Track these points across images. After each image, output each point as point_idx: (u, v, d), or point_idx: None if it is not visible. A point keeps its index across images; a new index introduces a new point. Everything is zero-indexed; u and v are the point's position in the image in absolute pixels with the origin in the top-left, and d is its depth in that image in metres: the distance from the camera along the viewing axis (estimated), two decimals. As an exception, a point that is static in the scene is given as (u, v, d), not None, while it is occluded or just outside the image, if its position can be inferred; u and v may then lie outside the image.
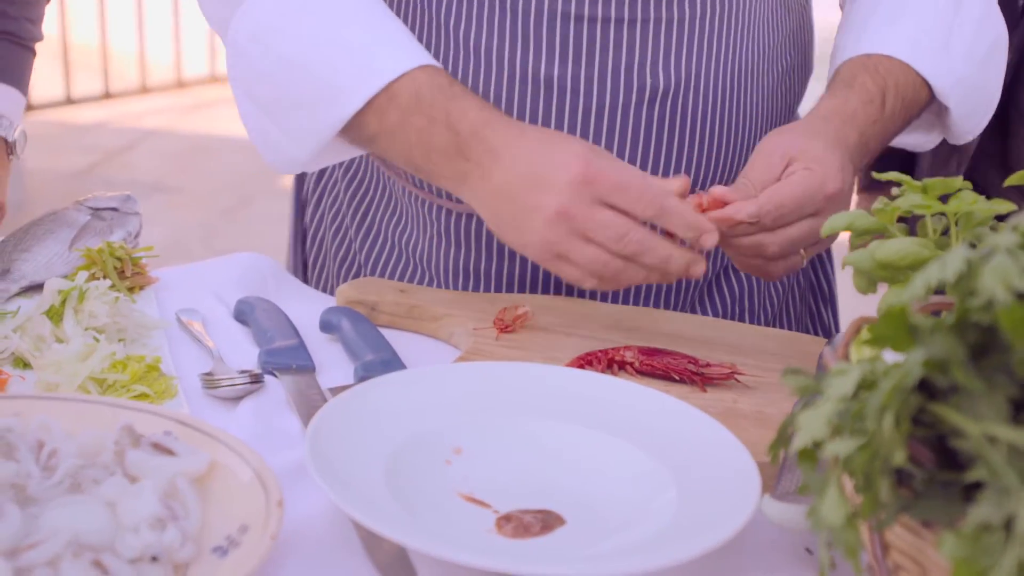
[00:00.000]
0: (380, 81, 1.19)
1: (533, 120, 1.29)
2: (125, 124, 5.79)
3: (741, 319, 1.42)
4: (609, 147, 1.30)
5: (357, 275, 1.48)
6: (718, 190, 1.16)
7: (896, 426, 0.68)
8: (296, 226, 1.62)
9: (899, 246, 0.95)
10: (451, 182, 1.19)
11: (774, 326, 1.48)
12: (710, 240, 1.13)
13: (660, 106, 1.29)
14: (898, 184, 1.00)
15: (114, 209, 1.42)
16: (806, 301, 1.53)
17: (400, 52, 1.21)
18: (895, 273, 0.97)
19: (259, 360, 1.18)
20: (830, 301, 1.57)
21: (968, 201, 0.96)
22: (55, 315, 1.17)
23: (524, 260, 1.36)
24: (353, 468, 0.94)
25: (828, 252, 1.55)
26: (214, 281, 1.36)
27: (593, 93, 1.28)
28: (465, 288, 1.39)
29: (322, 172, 1.54)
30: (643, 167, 1.31)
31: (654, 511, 0.94)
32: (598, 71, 1.28)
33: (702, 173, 1.33)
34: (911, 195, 0.98)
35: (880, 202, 1.00)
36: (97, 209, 1.41)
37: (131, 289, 1.29)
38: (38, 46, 1.92)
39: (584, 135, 1.29)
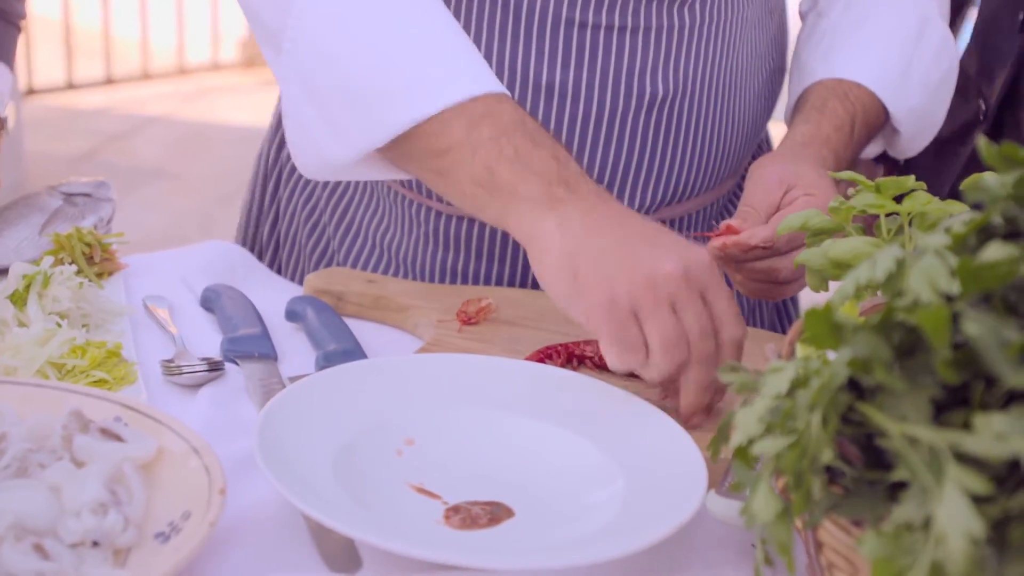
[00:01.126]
0: (472, 89, 1.10)
1: None
2: (126, 110, 5.79)
3: None
4: (606, 153, 1.30)
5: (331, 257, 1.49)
6: (728, 222, 1.18)
7: (824, 425, 0.68)
8: (256, 204, 1.59)
9: (851, 245, 0.95)
10: (531, 204, 1.07)
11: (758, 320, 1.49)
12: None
13: (658, 112, 1.30)
14: (854, 184, 1.00)
15: (87, 195, 1.42)
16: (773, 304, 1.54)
17: (482, 70, 1.14)
18: (847, 272, 0.97)
19: (221, 348, 1.18)
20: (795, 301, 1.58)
21: (922, 201, 0.96)
22: (19, 299, 1.17)
23: (514, 262, 1.36)
24: (303, 457, 0.94)
25: None
26: (184, 268, 1.36)
27: (593, 99, 1.28)
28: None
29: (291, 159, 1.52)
30: (638, 172, 1.31)
31: (602, 504, 0.95)
32: (599, 77, 1.28)
33: (694, 176, 1.34)
34: (865, 194, 0.98)
35: (836, 201, 1.00)
36: (70, 195, 1.42)
37: (99, 275, 1.29)
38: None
39: (582, 141, 1.29)
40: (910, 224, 0.98)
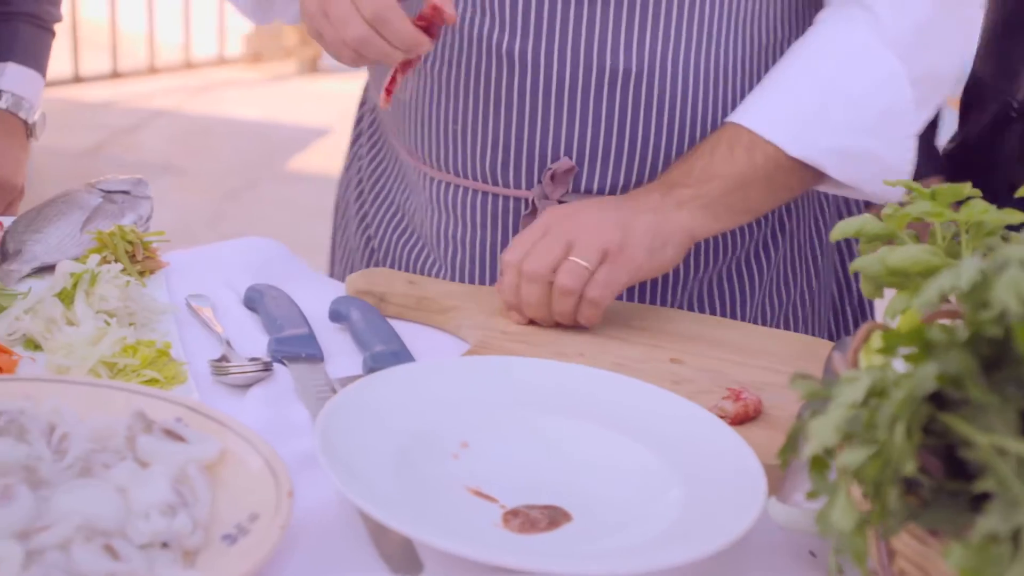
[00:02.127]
0: None
1: (497, 95, 1.31)
2: (133, 104, 5.78)
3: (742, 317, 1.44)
4: (571, 128, 1.31)
5: (369, 241, 1.52)
6: None
7: (907, 436, 0.69)
8: (337, 218, 1.66)
9: (910, 253, 0.95)
10: None
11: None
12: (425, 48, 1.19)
13: (623, 88, 1.30)
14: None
15: (126, 192, 1.42)
16: (819, 303, 1.54)
17: None
18: (903, 279, 0.98)
19: (269, 348, 1.18)
20: (857, 301, 1.57)
21: (979, 210, 0.96)
22: (66, 297, 1.17)
23: (495, 230, 1.39)
24: (362, 460, 0.94)
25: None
26: (224, 266, 1.36)
27: (553, 70, 1.29)
28: (447, 255, 1.41)
29: (356, 157, 1.58)
30: (607, 150, 1.32)
31: (659, 510, 0.95)
32: (557, 48, 1.28)
33: (671, 159, 1.34)
34: (921, 202, 0.98)
35: (890, 208, 1.00)
36: (109, 192, 1.41)
37: (142, 273, 1.29)
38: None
39: (546, 114, 1.31)
40: (966, 232, 0.98)
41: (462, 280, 1.41)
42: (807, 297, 1.50)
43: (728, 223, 1.30)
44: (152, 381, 1.08)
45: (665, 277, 1.39)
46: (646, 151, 1.33)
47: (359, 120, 1.61)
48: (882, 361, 0.80)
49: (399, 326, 1.27)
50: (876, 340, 0.92)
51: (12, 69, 1.83)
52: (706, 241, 1.38)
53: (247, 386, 1.13)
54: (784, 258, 1.46)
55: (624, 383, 1.08)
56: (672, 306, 1.40)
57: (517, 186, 1.35)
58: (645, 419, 1.03)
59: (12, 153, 1.80)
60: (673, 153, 1.33)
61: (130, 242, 1.30)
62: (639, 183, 1.34)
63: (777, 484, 0.97)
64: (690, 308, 1.41)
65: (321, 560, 0.90)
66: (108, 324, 1.13)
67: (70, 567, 0.78)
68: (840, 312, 1.56)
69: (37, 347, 1.14)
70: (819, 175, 1.31)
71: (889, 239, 1.00)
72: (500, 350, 1.19)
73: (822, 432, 0.74)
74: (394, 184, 1.50)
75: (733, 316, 1.42)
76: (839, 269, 1.55)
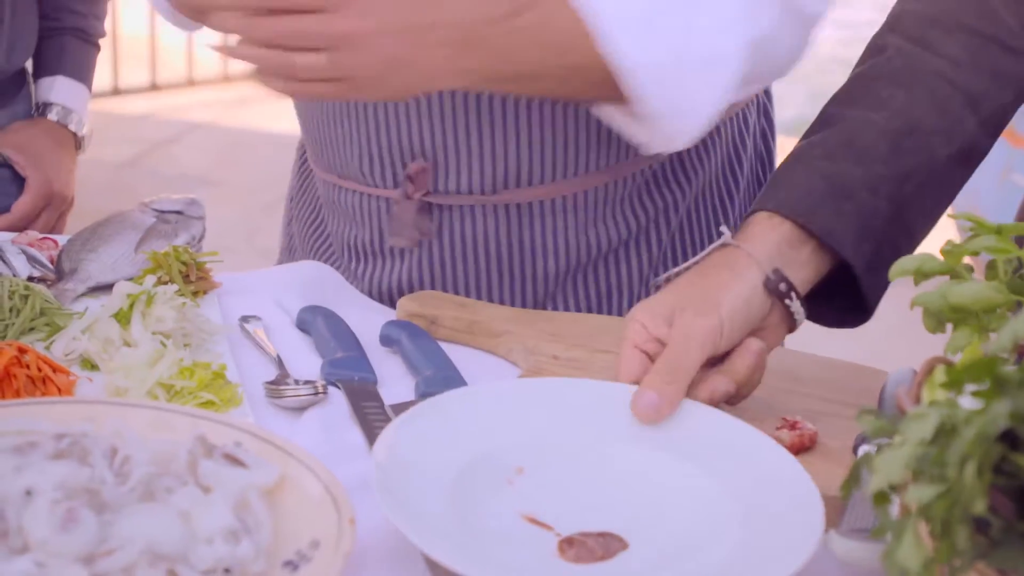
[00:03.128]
0: None
1: None
2: (171, 116, 5.83)
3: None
4: (428, 129, 1.32)
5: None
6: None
7: (978, 475, 0.68)
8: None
9: (972, 290, 0.94)
10: None
11: None
12: None
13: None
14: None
15: (179, 212, 1.43)
16: None
17: None
18: (964, 315, 0.97)
19: (322, 371, 1.19)
20: None
21: (1043, 246, 0.96)
22: (123, 318, 1.18)
23: (376, 229, 1.41)
24: (416, 492, 0.94)
25: None
26: (276, 288, 1.37)
27: None
28: (344, 255, 1.45)
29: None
30: (458, 151, 1.32)
31: (717, 540, 0.95)
32: None
33: (536, 161, 1.34)
34: (985, 237, 0.98)
35: (948, 244, 1.00)
36: (162, 212, 1.43)
37: (195, 293, 1.30)
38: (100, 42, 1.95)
39: (399, 114, 1.32)
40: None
41: (347, 278, 1.45)
42: None
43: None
44: (208, 404, 1.09)
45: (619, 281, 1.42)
46: (508, 153, 1.33)
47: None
48: (946, 397, 0.80)
49: (450, 349, 1.27)
50: (939, 374, 0.92)
51: (61, 82, 1.85)
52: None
53: (302, 409, 1.13)
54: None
55: (683, 405, 1.07)
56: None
57: (385, 186, 1.37)
58: (704, 444, 1.03)
59: (64, 165, 1.83)
60: (532, 154, 1.33)
61: (184, 263, 1.31)
62: (504, 186, 1.34)
63: (836, 517, 0.96)
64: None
65: (379, 586, 0.90)
66: (164, 345, 1.14)
67: (135, 592, 0.79)
68: None
69: (94, 367, 1.15)
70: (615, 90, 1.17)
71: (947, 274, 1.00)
72: (551, 375, 1.19)
73: (889, 468, 0.74)
74: (332, 223, 1.50)
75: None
76: None
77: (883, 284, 1.17)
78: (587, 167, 1.35)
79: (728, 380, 1.09)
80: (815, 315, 1.19)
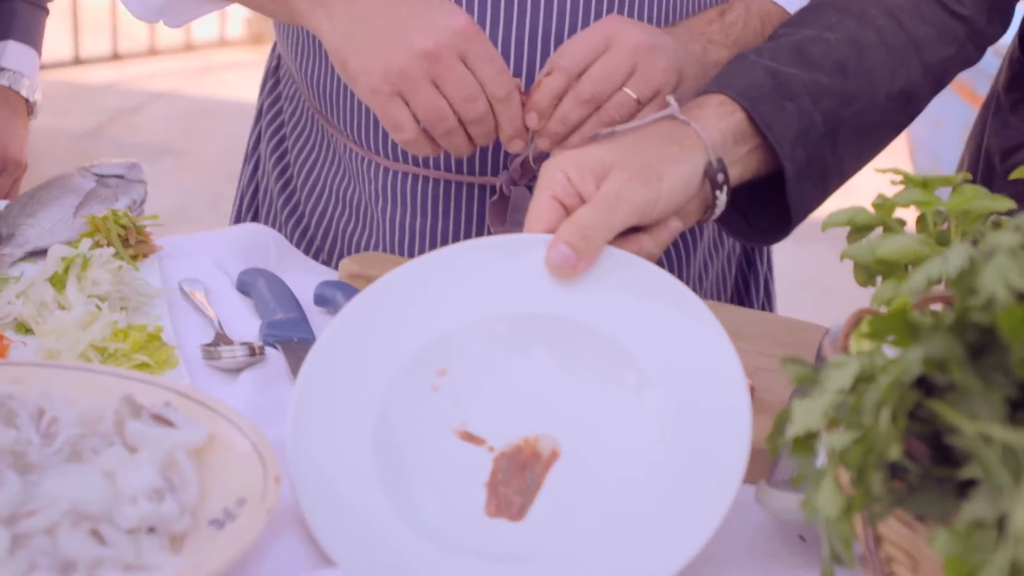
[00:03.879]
0: None
1: None
2: (133, 86, 5.77)
3: None
4: None
5: (306, 231, 1.49)
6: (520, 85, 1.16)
7: (893, 422, 0.68)
8: (248, 181, 1.62)
9: (900, 243, 0.94)
10: (305, 4, 1.17)
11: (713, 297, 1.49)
12: (517, 146, 1.17)
13: None
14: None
15: (120, 176, 1.42)
16: (738, 272, 1.53)
17: None
18: (893, 268, 0.98)
19: (261, 332, 1.18)
20: (763, 265, 1.56)
21: (967, 197, 0.96)
22: (58, 282, 1.17)
23: (458, 216, 1.36)
24: (337, 449, 0.93)
25: None
26: (217, 251, 1.36)
27: (510, 53, 1.24)
28: (403, 243, 1.39)
29: (274, 132, 1.54)
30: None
31: (641, 474, 0.93)
32: (516, 31, 1.24)
33: None
34: (911, 190, 0.98)
35: (879, 197, 1.00)
36: (103, 176, 1.41)
37: (135, 257, 1.29)
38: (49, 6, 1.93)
39: None
40: (955, 220, 0.98)
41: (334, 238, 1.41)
42: (730, 266, 1.51)
43: None
44: (143, 366, 1.08)
45: None
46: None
47: (274, 87, 1.55)
48: (871, 347, 0.80)
49: (392, 310, 1.26)
50: (865, 325, 0.92)
51: (12, 47, 1.84)
52: None
53: (238, 370, 1.13)
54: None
55: (606, 258, 1.01)
56: None
57: (483, 173, 1.33)
58: (651, 340, 0.98)
59: (17, 130, 1.81)
60: None
61: (123, 226, 1.29)
62: None
63: (766, 470, 0.97)
64: None
65: (311, 544, 0.90)
66: (99, 308, 1.13)
67: (56, 552, 0.78)
68: (749, 270, 1.55)
69: (28, 331, 1.14)
70: None
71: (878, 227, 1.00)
72: None
73: (807, 416, 0.74)
74: (328, 171, 1.46)
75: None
76: None
77: (809, 199, 1.16)
78: None
79: (655, 243, 1.06)
80: (726, 220, 1.18)
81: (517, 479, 0.93)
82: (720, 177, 1.09)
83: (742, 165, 1.12)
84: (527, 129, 1.16)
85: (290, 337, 1.17)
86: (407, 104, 1.12)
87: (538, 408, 0.97)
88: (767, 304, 1.57)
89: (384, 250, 1.40)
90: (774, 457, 0.96)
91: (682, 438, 0.93)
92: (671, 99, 1.11)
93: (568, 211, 1.03)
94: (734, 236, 1.23)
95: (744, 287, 1.54)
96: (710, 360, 0.96)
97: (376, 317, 1.01)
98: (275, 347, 1.16)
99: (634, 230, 1.05)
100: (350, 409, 0.96)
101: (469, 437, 0.96)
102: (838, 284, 3.62)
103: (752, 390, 1.09)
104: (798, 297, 1.68)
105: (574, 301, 1.00)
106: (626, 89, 1.13)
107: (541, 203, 1.04)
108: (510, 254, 1.02)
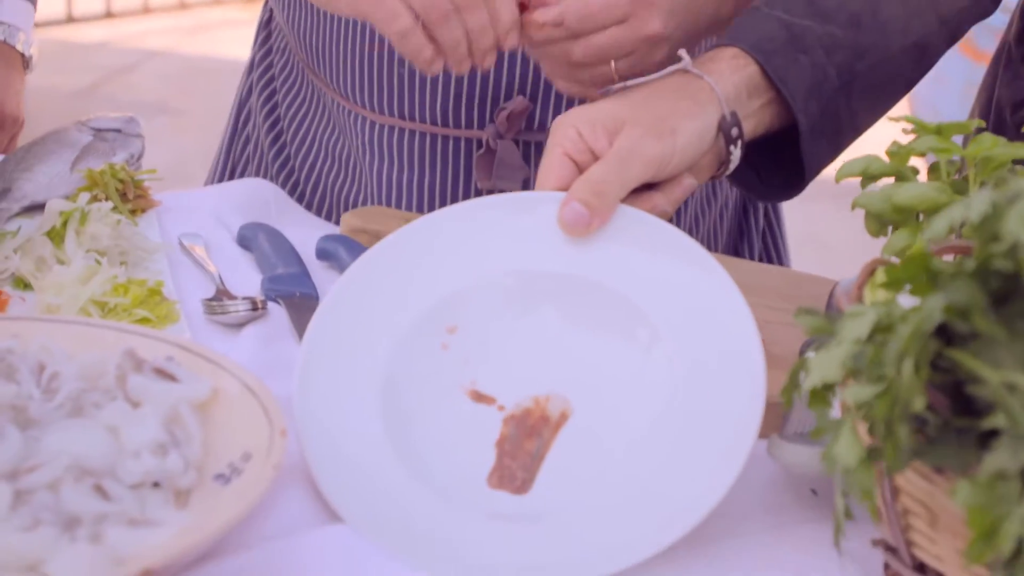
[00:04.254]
0: None
1: None
2: (127, 44, 5.73)
3: None
4: (524, 65, 1.27)
5: (296, 185, 1.47)
6: None
7: (915, 372, 0.67)
8: (234, 131, 1.60)
9: (916, 190, 0.93)
10: None
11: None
12: (511, 41, 1.11)
13: None
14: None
15: (117, 131, 1.39)
16: (732, 227, 1.52)
17: None
18: (906, 217, 0.96)
19: (262, 287, 1.17)
20: (758, 221, 1.54)
21: (986, 144, 0.94)
22: (56, 236, 1.15)
23: (445, 171, 1.34)
24: (345, 406, 0.92)
25: None
26: (217, 206, 1.34)
27: None
28: (390, 198, 1.37)
29: (265, 85, 1.52)
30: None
31: (655, 431, 0.91)
32: None
33: None
34: (926, 137, 0.96)
35: (893, 145, 0.98)
36: (100, 130, 1.39)
37: (133, 212, 1.27)
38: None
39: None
40: (974, 167, 0.96)
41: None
42: (725, 215, 1.49)
43: None
44: (144, 320, 1.07)
45: None
46: None
47: (265, 40, 1.53)
48: (886, 297, 0.78)
49: (395, 265, 1.25)
50: (880, 276, 0.91)
51: (7, 1, 1.81)
52: None
53: (240, 325, 1.11)
54: None
55: (620, 216, 0.99)
56: None
57: (469, 126, 1.32)
58: (662, 295, 0.96)
59: (13, 85, 1.79)
60: None
61: (121, 180, 1.27)
62: None
63: (778, 423, 0.95)
64: None
65: (317, 498, 0.89)
66: (99, 263, 1.11)
67: (59, 507, 0.77)
68: (745, 226, 1.54)
69: (27, 286, 1.13)
70: None
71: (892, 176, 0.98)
72: None
73: (825, 367, 0.73)
74: (318, 126, 1.44)
75: None
76: None
77: (823, 154, 1.14)
78: None
79: (667, 200, 1.03)
80: (738, 177, 1.16)
81: (523, 450, 0.91)
82: (734, 131, 1.07)
83: (756, 119, 1.10)
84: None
85: (292, 292, 1.16)
86: None
87: (549, 367, 0.95)
88: (775, 258, 1.55)
89: (373, 205, 1.39)
90: (788, 409, 0.95)
91: (695, 393, 0.91)
92: (683, 53, 1.09)
93: (580, 168, 1.01)
94: (747, 193, 1.21)
95: (738, 241, 1.53)
96: (722, 315, 0.94)
97: (385, 274, 0.99)
98: (277, 302, 1.15)
99: (647, 187, 1.03)
100: (357, 367, 0.94)
101: (479, 396, 0.94)
102: (839, 241, 3.61)
103: (761, 343, 1.07)
104: (799, 254, 1.66)
105: (585, 259, 0.98)
106: (612, 65, 1.12)
107: (552, 160, 1.02)
108: (521, 211, 1.00)
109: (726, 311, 0.94)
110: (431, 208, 1.35)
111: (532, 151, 1.32)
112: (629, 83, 1.10)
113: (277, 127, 1.50)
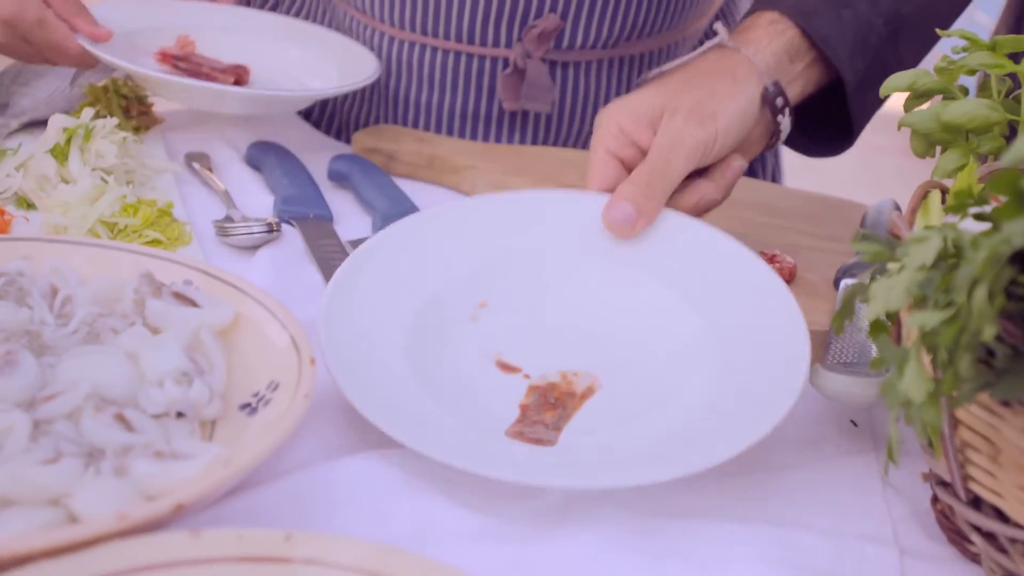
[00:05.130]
0: None
1: None
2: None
3: None
4: None
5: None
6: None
7: (989, 299, 0.64)
8: None
9: (967, 108, 0.89)
10: None
11: None
12: None
13: None
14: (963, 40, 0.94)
15: (117, 44, 1.34)
16: None
17: None
18: (955, 136, 0.92)
19: (275, 208, 1.13)
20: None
21: (1042, 61, 0.90)
22: (60, 154, 1.10)
23: (467, 90, 1.30)
24: (369, 344, 0.88)
25: None
26: (223, 123, 1.29)
27: None
28: (407, 118, 1.32)
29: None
30: (592, 7, 1.24)
31: (696, 382, 0.89)
32: None
33: (651, 12, 1.27)
34: (979, 53, 0.92)
35: (944, 60, 0.94)
36: (99, 43, 1.33)
37: (137, 129, 1.22)
38: None
39: None
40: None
41: None
42: None
43: None
44: (155, 243, 1.03)
45: None
46: (629, 6, 1.25)
47: None
48: (942, 223, 0.75)
49: (410, 187, 1.21)
50: (935, 199, 0.87)
51: None
52: None
53: (254, 247, 1.07)
54: None
55: (663, 219, 0.98)
56: None
57: (496, 44, 1.27)
58: (683, 265, 0.95)
59: None
60: (658, 8, 1.26)
61: (124, 96, 1.23)
62: (625, 38, 1.27)
63: (819, 351, 0.92)
64: None
65: (342, 426, 0.85)
66: (105, 182, 1.07)
67: (81, 438, 0.73)
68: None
69: (31, 206, 1.08)
70: None
71: (941, 93, 0.95)
72: None
73: (889, 294, 0.69)
74: None
75: None
76: None
77: (870, 106, 1.10)
78: (680, 19, 1.30)
79: (716, 188, 1.00)
80: (791, 139, 1.12)
81: (545, 418, 0.88)
82: (779, 101, 1.03)
83: (801, 82, 1.05)
84: None
85: (306, 213, 1.12)
86: None
87: (579, 345, 0.93)
88: (777, 177, 1.52)
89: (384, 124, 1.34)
90: (829, 339, 0.92)
91: (734, 363, 0.89)
92: (719, 27, 1.05)
93: (626, 164, 0.99)
94: (799, 151, 1.17)
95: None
96: (755, 282, 0.93)
97: (425, 236, 0.97)
98: (291, 224, 1.11)
99: (695, 175, 1.00)
100: (384, 318, 0.90)
101: (505, 366, 0.91)
102: (834, 165, 3.57)
103: (794, 269, 1.04)
104: (797, 178, 1.62)
105: (621, 250, 0.97)
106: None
107: (597, 160, 0.99)
108: (567, 205, 0.99)
109: (759, 279, 0.93)
110: (451, 130, 1.31)
111: (560, 72, 1.28)
112: (665, 67, 1.06)
113: None
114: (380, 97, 1.33)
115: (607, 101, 1.31)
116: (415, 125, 1.32)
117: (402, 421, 0.82)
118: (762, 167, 1.50)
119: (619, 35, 1.27)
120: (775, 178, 1.52)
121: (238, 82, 1.25)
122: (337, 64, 1.29)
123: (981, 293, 0.64)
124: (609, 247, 0.96)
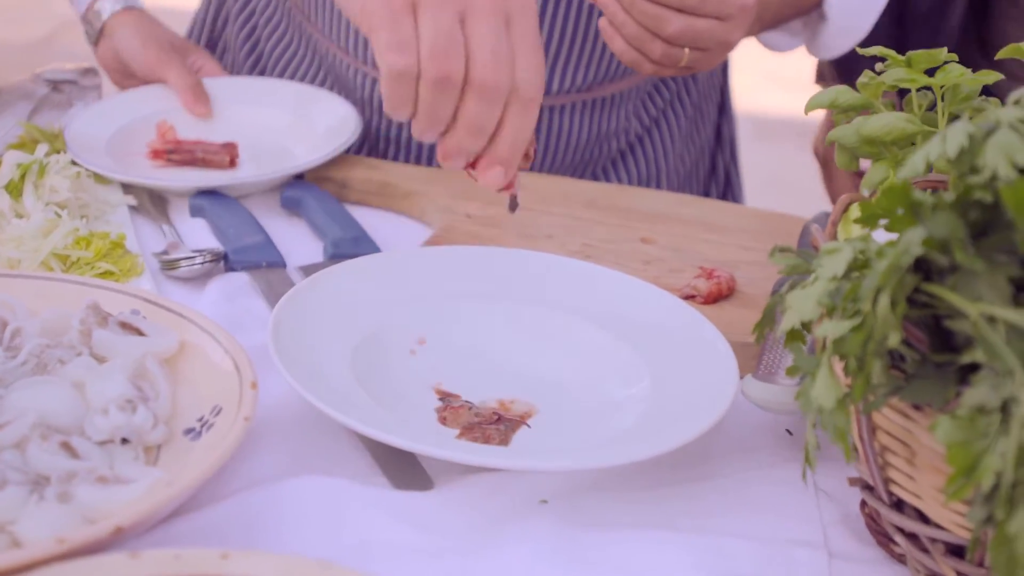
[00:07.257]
0: None
1: None
2: (81, -5, 5.63)
3: (657, 182, 1.44)
4: None
5: None
6: None
7: (892, 307, 0.66)
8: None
9: (885, 121, 0.92)
10: None
11: (689, 185, 1.50)
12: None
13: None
14: (881, 59, 0.97)
15: (73, 82, 1.37)
16: (707, 157, 1.53)
17: None
18: (879, 149, 0.95)
19: (228, 260, 1.12)
20: (731, 154, 1.56)
21: (955, 74, 0.93)
22: (14, 189, 1.13)
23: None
24: (315, 357, 0.91)
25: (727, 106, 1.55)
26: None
27: None
28: (387, 153, 1.36)
29: (245, 21, 1.49)
30: (559, 55, 1.29)
31: (630, 399, 0.93)
32: None
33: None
34: (895, 69, 0.95)
35: (865, 76, 0.97)
36: (55, 82, 1.36)
37: (93, 165, 1.24)
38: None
39: None
40: (942, 98, 0.95)
41: None
42: (707, 153, 1.50)
43: None
44: (107, 274, 1.05)
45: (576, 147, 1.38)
46: (599, 54, 1.29)
47: None
48: (861, 233, 0.78)
49: (361, 213, 1.23)
50: (855, 212, 0.90)
51: None
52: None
53: (198, 279, 1.09)
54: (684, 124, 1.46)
55: (586, 269, 1.05)
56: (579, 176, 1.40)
57: None
58: (611, 304, 1.01)
59: None
60: None
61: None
62: (599, 82, 1.31)
63: (752, 362, 0.95)
64: (597, 175, 1.41)
65: (288, 451, 0.87)
66: (59, 216, 1.09)
67: (27, 466, 0.76)
68: (713, 166, 1.54)
69: (-14, 242, 1.10)
70: None
71: (863, 109, 0.97)
72: (465, 234, 1.15)
73: (801, 305, 0.72)
74: (307, 74, 1.42)
75: (648, 180, 1.43)
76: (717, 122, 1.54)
77: None
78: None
79: None
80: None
81: (489, 431, 0.91)
82: None
83: None
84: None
85: (259, 262, 1.11)
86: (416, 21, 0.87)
87: (515, 375, 0.97)
88: (735, 198, 1.55)
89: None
90: (758, 348, 0.94)
91: (665, 376, 0.94)
92: None
93: None
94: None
95: (708, 180, 1.53)
96: (681, 315, 0.99)
97: (368, 277, 1.01)
98: (245, 274, 1.11)
99: None
100: (327, 346, 0.93)
101: (444, 394, 0.94)
102: (800, 181, 3.61)
103: (732, 283, 1.07)
104: (762, 194, 1.65)
105: (556, 300, 1.02)
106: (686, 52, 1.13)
107: None
108: (502, 258, 1.06)
109: (698, 330, 0.97)
110: (422, 160, 1.35)
111: (542, 116, 1.31)
112: None
113: (259, 65, 1.47)
114: (363, 134, 1.36)
115: (580, 141, 1.36)
116: (395, 158, 1.35)
117: (351, 414, 0.84)
118: (716, 183, 1.53)
119: (593, 80, 1.31)
120: (733, 195, 1.55)
121: (231, 159, 1.27)
122: (308, 116, 1.32)
123: (884, 301, 0.66)
124: (542, 295, 1.02)
